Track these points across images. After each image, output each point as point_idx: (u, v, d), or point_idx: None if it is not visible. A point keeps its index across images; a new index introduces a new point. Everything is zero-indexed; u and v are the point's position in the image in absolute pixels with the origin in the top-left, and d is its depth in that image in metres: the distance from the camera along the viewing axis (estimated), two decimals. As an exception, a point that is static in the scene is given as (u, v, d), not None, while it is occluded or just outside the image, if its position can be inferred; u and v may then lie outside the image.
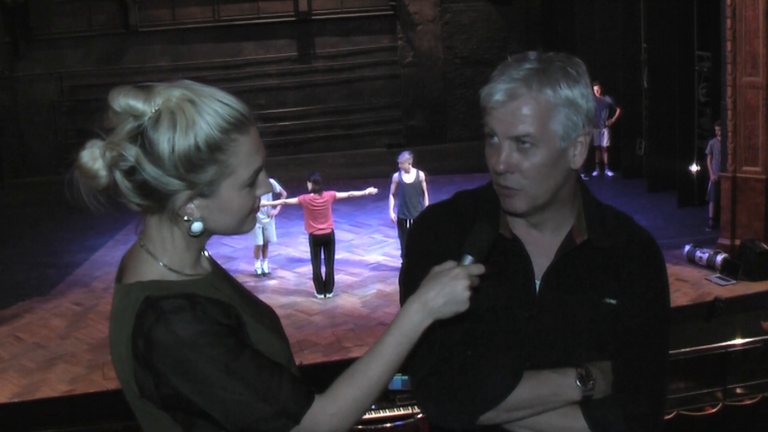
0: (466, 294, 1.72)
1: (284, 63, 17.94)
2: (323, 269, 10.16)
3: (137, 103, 1.62)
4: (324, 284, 10.16)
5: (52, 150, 17.22)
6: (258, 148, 1.69)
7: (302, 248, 11.40)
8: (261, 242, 10.54)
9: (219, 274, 1.82)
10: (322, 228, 10.05)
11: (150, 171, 1.62)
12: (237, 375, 1.62)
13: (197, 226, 1.69)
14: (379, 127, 18.32)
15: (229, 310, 1.68)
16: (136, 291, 1.67)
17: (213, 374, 1.61)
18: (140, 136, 1.62)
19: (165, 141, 1.61)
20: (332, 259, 10.20)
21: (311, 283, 10.30)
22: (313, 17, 17.65)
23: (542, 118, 1.79)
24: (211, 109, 1.63)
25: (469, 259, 1.77)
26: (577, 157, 1.86)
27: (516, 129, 1.80)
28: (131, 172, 1.63)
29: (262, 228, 10.36)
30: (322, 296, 10.13)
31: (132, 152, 1.62)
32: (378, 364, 1.70)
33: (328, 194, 10.06)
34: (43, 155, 17.17)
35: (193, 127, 1.61)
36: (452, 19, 18.24)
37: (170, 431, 1.70)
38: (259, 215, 10.06)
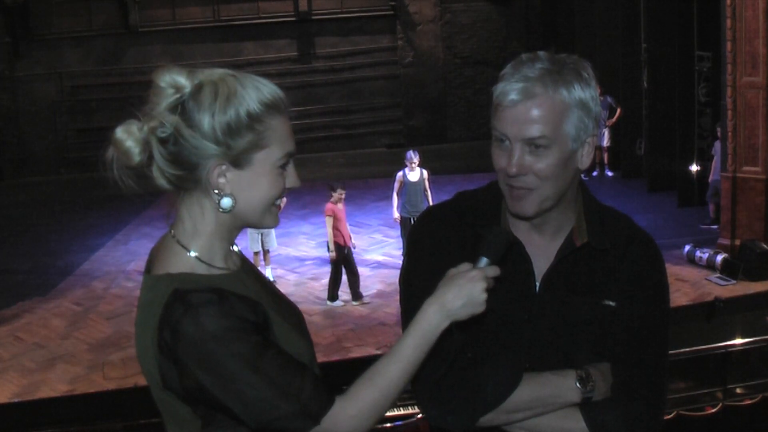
0: (484, 296, 1.73)
1: (284, 63, 17.94)
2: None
3: (180, 78, 1.68)
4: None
5: (52, 150, 17.23)
6: (291, 133, 1.75)
7: (302, 248, 11.42)
8: (259, 249, 10.31)
9: (248, 270, 1.83)
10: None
11: (187, 136, 1.66)
12: (261, 372, 1.63)
13: (227, 202, 1.70)
14: (379, 127, 18.32)
15: (256, 307, 1.69)
16: (165, 282, 1.68)
17: (237, 370, 1.62)
18: (180, 106, 1.67)
19: (206, 106, 1.66)
20: (350, 272, 9.90)
21: (311, 283, 10.28)
22: (313, 17, 17.66)
23: (556, 120, 1.79)
24: (252, 85, 1.69)
25: (484, 261, 1.76)
26: (585, 158, 1.86)
27: (529, 131, 1.79)
28: (167, 140, 1.67)
29: (261, 234, 10.13)
30: (331, 302, 9.95)
31: (171, 120, 1.66)
32: (397, 366, 1.71)
33: (327, 207, 9.77)
34: (43, 155, 17.18)
35: (234, 96, 1.67)
36: (452, 19, 18.24)
37: (190, 424, 1.71)
38: None
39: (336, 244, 9.72)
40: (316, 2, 17.63)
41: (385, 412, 1.74)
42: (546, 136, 1.79)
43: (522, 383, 1.84)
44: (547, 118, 1.78)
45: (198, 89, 1.66)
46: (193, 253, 1.72)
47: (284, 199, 1.85)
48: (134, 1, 17.02)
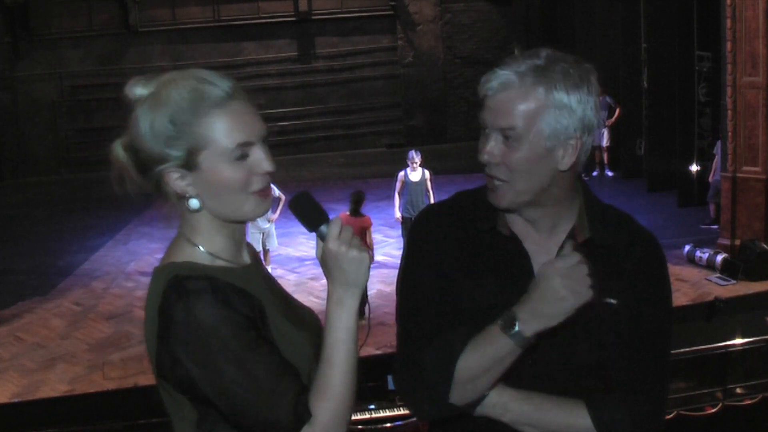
0: (354, 252, 1.71)
1: (284, 63, 17.95)
2: None
3: (137, 89, 1.72)
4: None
5: (52, 150, 17.24)
6: (242, 122, 1.70)
7: (302, 248, 11.40)
8: (260, 248, 10.17)
9: (258, 271, 1.84)
10: None
11: (138, 146, 1.70)
12: (245, 369, 1.62)
13: (194, 203, 1.72)
14: (379, 127, 18.33)
15: (253, 302, 1.69)
16: (168, 270, 1.70)
17: (222, 363, 1.61)
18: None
19: (144, 119, 1.69)
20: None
21: (311, 283, 10.26)
22: (313, 17, 17.67)
23: (529, 115, 1.80)
24: (186, 85, 1.69)
25: (323, 228, 1.75)
26: (566, 159, 1.85)
27: (501, 121, 1.82)
28: (131, 150, 1.73)
29: (262, 234, 10.11)
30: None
31: (131, 132, 1.72)
32: (340, 373, 1.70)
33: (361, 220, 9.17)
34: (43, 155, 17.19)
35: (164, 104, 1.67)
36: (452, 19, 18.25)
37: (188, 415, 1.71)
38: (259, 220, 9.97)
39: None
40: (316, 2, 17.63)
41: (352, 409, 1.73)
42: (515, 128, 1.81)
43: (464, 351, 1.81)
44: (519, 112, 1.80)
45: (143, 101, 1.70)
46: (200, 247, 1.74)
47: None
48: (134, 1, 17.02)
